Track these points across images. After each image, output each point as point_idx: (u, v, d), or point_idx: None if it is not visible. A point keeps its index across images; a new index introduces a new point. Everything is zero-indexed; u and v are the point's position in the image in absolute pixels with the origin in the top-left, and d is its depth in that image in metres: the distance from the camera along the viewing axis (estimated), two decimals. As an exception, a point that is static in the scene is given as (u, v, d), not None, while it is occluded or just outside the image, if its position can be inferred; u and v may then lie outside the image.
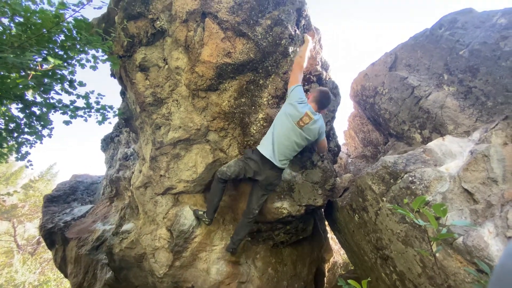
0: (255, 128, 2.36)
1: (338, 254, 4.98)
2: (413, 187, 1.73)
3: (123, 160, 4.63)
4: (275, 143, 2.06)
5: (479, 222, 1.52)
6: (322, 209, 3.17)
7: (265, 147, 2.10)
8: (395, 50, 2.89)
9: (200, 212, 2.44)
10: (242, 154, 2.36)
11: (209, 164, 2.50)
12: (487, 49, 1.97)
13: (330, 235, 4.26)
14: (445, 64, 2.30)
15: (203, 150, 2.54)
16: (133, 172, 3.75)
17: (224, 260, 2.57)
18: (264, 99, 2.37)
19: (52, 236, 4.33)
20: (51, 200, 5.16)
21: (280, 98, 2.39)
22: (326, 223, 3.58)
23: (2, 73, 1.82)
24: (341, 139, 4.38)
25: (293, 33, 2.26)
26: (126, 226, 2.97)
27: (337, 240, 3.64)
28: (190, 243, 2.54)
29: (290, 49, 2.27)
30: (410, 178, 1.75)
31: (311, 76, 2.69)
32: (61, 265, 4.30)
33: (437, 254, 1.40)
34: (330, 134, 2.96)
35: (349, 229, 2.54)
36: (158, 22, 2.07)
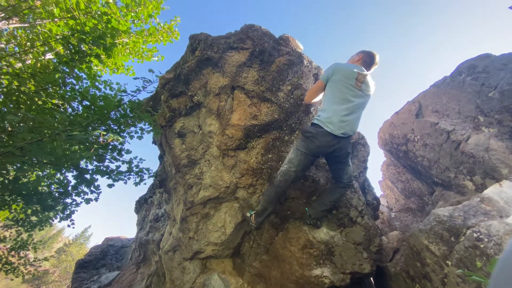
0: (284, 183, 2.33)
1: None
2: (481, 246, 1.44)
3: (154, 222, 4.69)
4: (337, 115, 1.90)
5: None
6: (371, 278, 2.67)
7: (328, 123, 1.90)
8: (417, 98, 2.93)
9: (248, 214, 2.18)
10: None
11: (238, 224, 2.41)
12: (520, 89, 1.91)
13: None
14: (477, 106, 2.23)
15: (231, 208, 2.50)
16: (162, 235, 3.72)
17: None
18: (291, 154, 2.42)
19: (77, 308, 4.14)
20: (82, 266, 5.15)
21: (306, 152, 2.42)
22: (378, 296, 2.95)
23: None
24: (377, 190, 4.05)
25: (312, 93, 2.46)
26: (151, 298, 2.75)
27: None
28: (218, 321, 2.22)
29: (311, 107, 2.43)
30: (475, 235, 1.47)
31: (335, 129, 2.75)
32: None
33: None
34: (365, 186, 2.78)
35: (410, 305, 2.05)
36: (195, 97, 2.45)
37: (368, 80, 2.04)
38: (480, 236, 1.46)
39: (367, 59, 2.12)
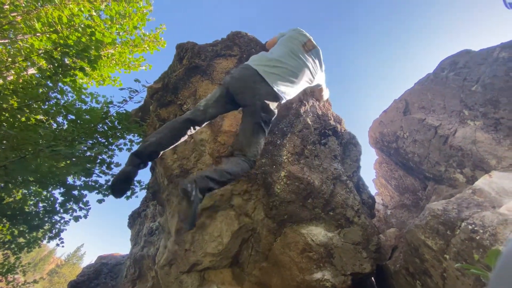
0: (279, 187, 2.31)
1: None
2: (477, 238, 1.45)
3: (148, 236, 4.54)
4: (271, 60, 1.66)
5: None
6: (372, 278, 2.66)
7: (256, 61, 1.66)
8: (403, 96, 3.00)
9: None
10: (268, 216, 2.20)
11: (235, 232, 2.36)
12: (499, 81, 1.98)
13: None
14: (461, 101, 2.30)
15: (227, 216, 2.45)
16: (157, 249, 3.60)
17: None
18: (284, 157, 2.41)
19: (70, 334, 3.92)
20: (74, 287, 4.92)
21: (299, 154, 2.42)
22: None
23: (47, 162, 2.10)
24: (371, 189, 4.08)
25: (301, 96, 2.49)
26: (148, 316, 2.64)
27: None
28: (220, 335, 2.14)
29: (302, 110, 2.44)
30: (470, 227, 1.49)
31: (326, 131, 2.77)
32: None
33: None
34: (360, 185, 2.79)
35: (413, 303, 2.03)
36: (185, 106, 2.43)
37: (318, 54, 1.88)
38: (475, 228, 1.47)
39: None
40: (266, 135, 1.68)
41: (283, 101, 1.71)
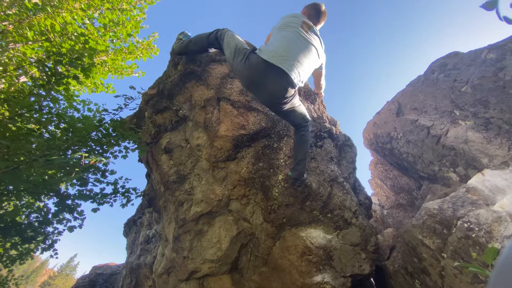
0: (277, 190, 2.31)
1: None
2: (473, 236, 1.47)
3: (145, 244, 4.46)
4: (277, 49, 1.63)
5: None
6: (372, 279, 2.66)
7: (264, 52, 1.64)
8: (396, 98, 3.06)
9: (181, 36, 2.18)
10: (266, 221, 2.19)
11: (234, 237, 2.34)
12: (488, 82, 2.04)
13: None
14: (452, 101, 2.36)
15: (226, 222, 2.43)
16: (154, 257, 3.54)
17: None
18: (281, 160, 2.42)
19: None
20: (68, 301, 4.78)
21: (296, 157, 2.43)
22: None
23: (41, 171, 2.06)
24: (367, 189, 4.11)
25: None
26: (147, 327, 2.57)
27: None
28: None
29: (297, 113, 2.46)
30: (466, 225, 1.51)
31: (322, 133, 2.80)
32: None
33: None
34: (356, 186, 2.81)
35: (413, 302, 2.04)
36: (181, 111, 2.43)
37: (316, 31, 1.86)
38: (470, 226, 1.50)
39: (312, 12, 1.94)
40: (299, 105, 1.90)
41: (297, 87, 1.78)
